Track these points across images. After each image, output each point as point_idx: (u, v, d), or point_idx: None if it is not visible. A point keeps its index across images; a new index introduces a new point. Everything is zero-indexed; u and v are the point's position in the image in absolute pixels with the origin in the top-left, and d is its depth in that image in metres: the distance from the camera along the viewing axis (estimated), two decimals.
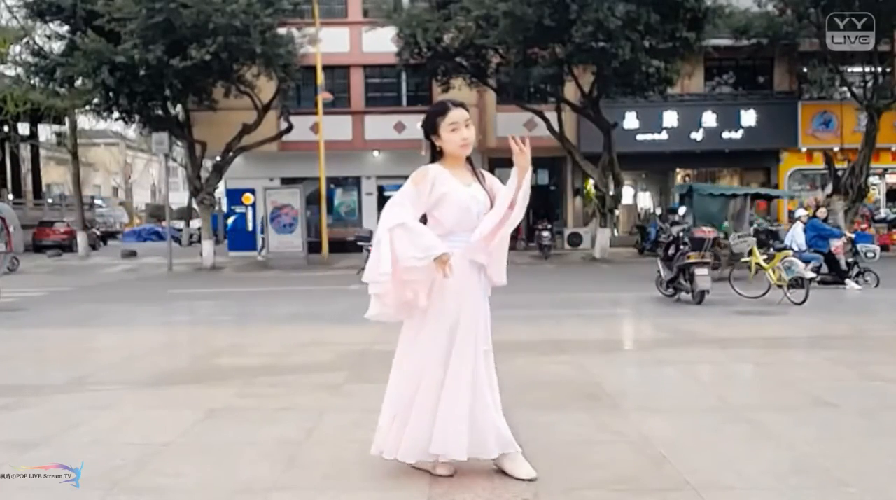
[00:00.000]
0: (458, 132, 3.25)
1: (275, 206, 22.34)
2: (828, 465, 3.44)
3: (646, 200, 28.58)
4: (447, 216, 3.28)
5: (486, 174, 3.45)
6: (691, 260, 10.36)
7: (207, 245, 20.62)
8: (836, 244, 12.72)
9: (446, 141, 3.28)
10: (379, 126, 24.51)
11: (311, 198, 23.47)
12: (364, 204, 25.79)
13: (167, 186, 24.12)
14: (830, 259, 12.63)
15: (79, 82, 19.71)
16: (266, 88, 20.58)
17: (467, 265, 3.26)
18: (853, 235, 14.50)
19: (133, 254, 25.76)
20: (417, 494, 3.16)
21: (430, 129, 3.30)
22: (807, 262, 11.26)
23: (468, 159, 3.38)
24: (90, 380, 5.69)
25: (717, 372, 5.88)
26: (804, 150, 24.73)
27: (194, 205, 26.37)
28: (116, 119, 21.16)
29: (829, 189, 23.35)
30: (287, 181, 24.25)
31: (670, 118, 24.13)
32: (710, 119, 24.19)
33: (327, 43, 21.43)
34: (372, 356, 6.38)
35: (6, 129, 29.53)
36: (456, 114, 3.25)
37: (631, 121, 23.86)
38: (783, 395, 4.89)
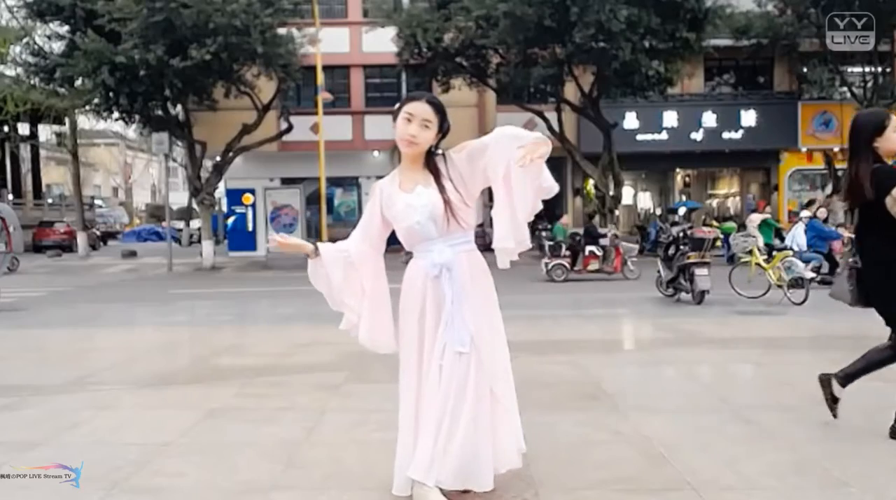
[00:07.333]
0: (405, 125, 2.85)
1: (275, 206, 22.35)
2: (828, 465, 3.44)
3: (646, 200, 28.59)
4: (398, 230, 3.01)
5: (453, 159, 2.92)
6: (691, 260, 10.36)
7: (207, 245, 20.63)
8: (836, 245, 12.73)
9: (396, 133, 2.90)
10: (379, 126, 24.43)
11: (311, 198, 23.46)
12: (364, 204, 25.74)
13: (167, 186, 24.12)
14: (830, 259, 12.63)
15: (79, 82, 19.71)
16: (266, 87, 20.58)
17: (422, 277, 2.97)
18: (853, 236, 14.48)
19: (133, 254, 25.77)
20: None
21: (394, 121, 2.92)
22: (807, 262, 11.26)
23: (429, 156, 2.93)
24: (90, 380, 5.69)
25: (717, 372, 5.87)
26: (804, 150, 24.73)
27: (194, 205, 26.37)
28: (116, 119, 21.15)
29: (829, 189, 23.34)
30: (287, 181, 24.25)
31: (670, 118, 24.13)
32: (710, 119, 24.18)
33: (327, 43, 21.41)
34: (372, 356, 6.30)
35: (6, 129, 29.51)
36: (411, 106, 2.86)
37: (631, 121, 23.85)
38: (783, 395, 4.88)
